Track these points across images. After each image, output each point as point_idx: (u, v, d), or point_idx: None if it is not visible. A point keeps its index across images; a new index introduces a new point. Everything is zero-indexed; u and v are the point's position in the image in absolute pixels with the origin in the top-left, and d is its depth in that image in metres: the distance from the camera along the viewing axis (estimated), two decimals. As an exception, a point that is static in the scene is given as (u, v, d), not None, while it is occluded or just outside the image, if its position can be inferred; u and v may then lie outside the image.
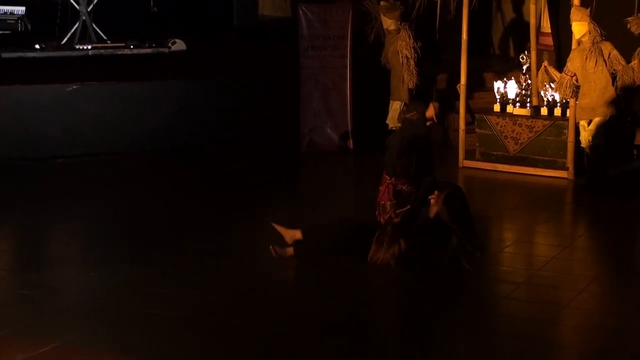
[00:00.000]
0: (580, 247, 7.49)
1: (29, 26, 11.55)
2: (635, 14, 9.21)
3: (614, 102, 8.93)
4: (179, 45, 11.49)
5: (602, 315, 6.04)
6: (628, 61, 8.90)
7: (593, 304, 6.19)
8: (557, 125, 9.51)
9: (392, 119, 10.29)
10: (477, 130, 10.01)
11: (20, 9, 11.53)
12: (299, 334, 5.65)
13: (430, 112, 7.26)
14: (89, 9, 11.54)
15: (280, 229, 6.86)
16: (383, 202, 7.12)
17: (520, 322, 5.94)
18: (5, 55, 10.85)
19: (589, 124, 9.03)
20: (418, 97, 10.32)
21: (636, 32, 9.11)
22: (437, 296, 6.40)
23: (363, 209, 8.58)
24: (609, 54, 8.84)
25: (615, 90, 8.93)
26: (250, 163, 10.13)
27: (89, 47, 11.18)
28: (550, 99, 9.67)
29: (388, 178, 7.18)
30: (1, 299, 6.19)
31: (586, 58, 8.88)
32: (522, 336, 5.71)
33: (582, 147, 9.15)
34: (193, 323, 5.81)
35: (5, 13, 11.46)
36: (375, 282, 6.75)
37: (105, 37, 11.58)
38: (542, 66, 9.40)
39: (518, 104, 9.85)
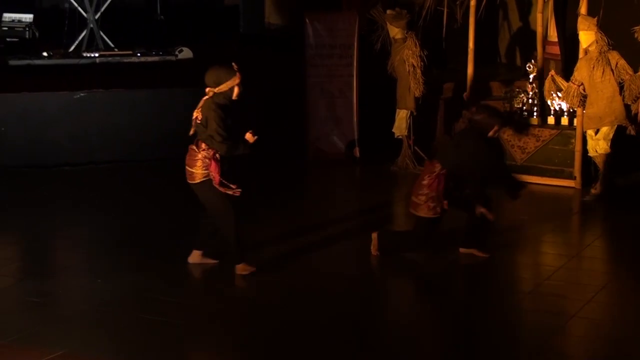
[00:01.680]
0: (588, 257, 7.47)
1: (37, 34, 11.58)
2: (643, 23, 9.20)
3: (621, 112, 8.92)
4: (186, 53, 11.51)
5: (609, 325, 6.02)
6: (635, 70, 8.89)
7: (601, 314, 6.18)
8: (564, 134, 9.50)
9: (399, 128, 10.29)
10: (484, 139, 9.99)
11: (28, 17, 11.56)
12: (307, 341, 5.64)
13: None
14: (96, 17, 11.57)
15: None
16: (434, 193, 6.94)
17: (527, 331, 5.93)
18: (13, 62, 10.87)
19: (596, 133, 9.02)
20: (424, 106, 10.34)
21: (643, 42, 9.11)
22: (444, 304, 6.39)
23: (369, 217, 8.58)
24: (616, 64, 8.83)
25: (622, 100, 8.92)
26: (257, 171, 10.13)
27: (97, 54, 11.20)
28: (557, 108, 9.66)
29: (438, 168, 7.04)
30: (8, 306, 6.20)
31: (593, 67, 8.87)
32: (529, 346, 5.70)
33: (590, 156, 9.13)
34: (199, 331, 5.80)
35: (13, 21, 11.48)
36: (378, 288, 6.74)
37: (112, 45, 11.60)
38: (549, 75, 9.40)
39: (525, 113, 9.84)
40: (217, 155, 6.62)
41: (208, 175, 6.63)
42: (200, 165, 6.64)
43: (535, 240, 7.88)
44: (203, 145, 6.64)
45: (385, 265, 7.16)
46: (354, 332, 5.81)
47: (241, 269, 6.74)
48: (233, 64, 6.75)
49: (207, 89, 6.68)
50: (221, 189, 6.60)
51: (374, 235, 7.17)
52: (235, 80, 6.64)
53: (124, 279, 6.66)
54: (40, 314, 5.98)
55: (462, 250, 7.20)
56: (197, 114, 6.65)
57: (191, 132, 6.69)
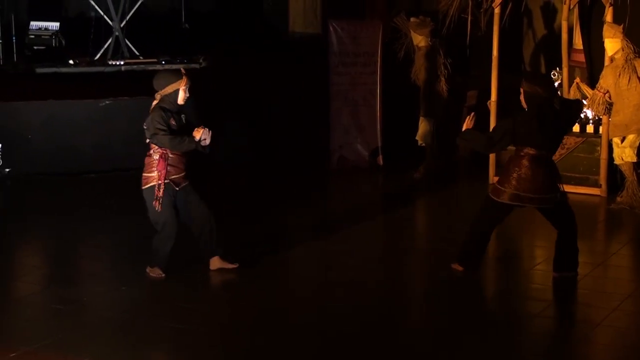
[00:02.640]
0: (614, 265, 7.42)
1: (63, 42, 11.68)
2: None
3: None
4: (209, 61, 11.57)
5: (635, 334, 5.97)
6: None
7: (626, 323, 6.13)
8: (590, 142, 9.45)
9: (422, 135, 10.27)
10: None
11: (54, 25, 11.66)
12: (325, 353, 5.64)
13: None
14: (121, 25, 11.66)
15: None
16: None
17: (551, 340, 5.89)
18: (40, 70, 10.97)
19: (622, 140, 8.97)
20: (448, 113, 10.32)
21: (670, 49, 9.05)
22: (466, 313, 6.36)
23: (392, 225, 8.57)
24: (643, 71, 8.78)
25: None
26: (280, 179, 10.14)
27: (122, 62, 11.28)
28: (582, 116, 9.61)
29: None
30: (34, 313, 6.24)
31: (619, 75, 8.82)
32: (554, 354, 5.66)
33: (615, 165, 9.07)
34: (223, 339, 5.81)
35: (40, 29, 11.59)
36: (400, 295, 6.73)
37: (137, 53, 11.68)
38: (574, 83, 9.35)
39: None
40: (166, 156, 6.59)
41: (155, 179, 6.60)
42: (149, 169, 6.65)
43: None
44: (153, 147, 6.64)
45: (409, 274, 7.14)
46: (370, 343, 5.80)
47: (153, 271, 6.75)
48: (181, 68, 6.78)
49: (155, 94, 6.70)
50: (158, 192, 6.54)
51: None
52: (181, 83, 6.62)
53: (148, 286, 6.68)
54: (65, 321, 6.01)
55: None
56: (145, 121, 6.66)
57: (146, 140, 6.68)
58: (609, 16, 9.11)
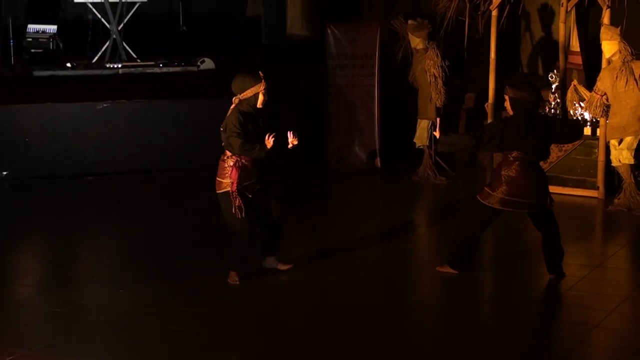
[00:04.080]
0: (611, 267, 7.42)
1: (61, 45, 11.67)
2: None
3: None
4: (207, 64, 11.56)
5: (633, 336, 5.97)
6: (659, 80, 8.84)
7: (624, 325, 6.14)
8: (587, 144, 9.45)
9: (420, 138, 10.27)
10: (506, 149, 9.96)
11: (52, 28, 11.66)
12: (324, 354, 5.64)
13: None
14: (119, 28, 11.65)
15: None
16: None
17: (549, 341, 5.89)
18: (38, 73, 10.97)
19: (619, 143, 8.98)
20: (445, 116, 10.32)
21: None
22: (466, 313, 6.37)
23: (390, 227, 8.57)
24: (640, 73, 8.79)
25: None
26: (278, 181, 10.14)
27: (119, 65, 11.27)
28: (579, 118, 9.62)
29: None
30: (32, 316, 6.24)
31: (616, 77, 8.83)
32: (553, 356, 5.67)
33: (613, 167, 9.08)
34: (221, 341, 5.81)
35: (37, 32, 11.59)
36: (398, 297, 6.73)
37: (135, 56, 11.67)
38: (572, 85, 9.36)
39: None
40: (239, 164, 6.62)
41: (229, 185, 6.63)
42: (224, 175, 6.66)
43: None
44: (227, 153, 6.67)
45: (407, 276, 7.15)
46: (368, 344, 5.80)
47: (230, 277, 6.73)
48: (259, 72, 6.78)
49: (234, 97, 6.71)
50: (235, 200, 6.57)
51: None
52: (260, 87, 6.66)
53: (146, 289, 6.68)
54: (63, 324, 6.01)
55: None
56: (223, 123, 6.69)
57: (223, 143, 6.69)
58: (606, 18, 9.12)
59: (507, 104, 6.82)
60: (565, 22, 9.98)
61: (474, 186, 9.90)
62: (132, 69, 11.29)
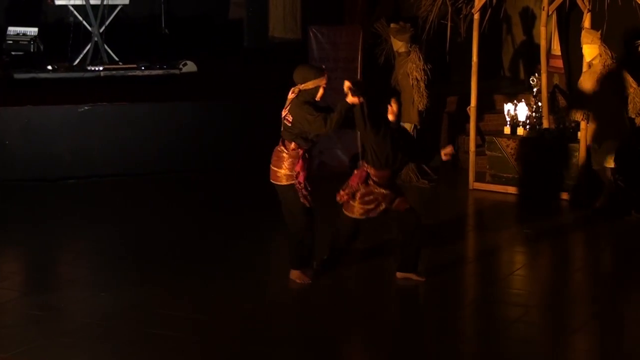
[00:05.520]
0: (593, 271, 7.45)
1: (42, 47, 11.60)
2: (647, 37, 9.21)
3: (625, 125, 8.91)
4: (189, 67, 11.53)
5: (615, 339, 6.00)
6: (639, 84, 8.89)
7: (606, 328, 6.15)
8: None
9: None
10: (487, 152, 10.00)
11: (33, 30, 11.58)
12: (306, 355, 5.63)
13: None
14: (101, 31, 11.60)
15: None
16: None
17: (531, 345, 5.91)
18: (18, 76, 10.89)
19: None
20: (428, 119, 10.34)
21: (647, 55, 9.11)
22: (445, 318, 6.37)
23: (372, 230, 8.57)
24: (620, 77, 8.82)
25: (626, 113, 8.91)
26: (261, 185, 10.11)
27: (101, 68, 11.22)
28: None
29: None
30: (12, 319, 6.20)
31: (597, 81, 8.87)
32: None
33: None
34: (203, 345, 5.79)
35: (18, 34, 11.51)
36: (380, 294, 6.73)
37: (117, 59, 11.62)
38: (553, 88, 9.40)
39: (528, 127, 9.84)
40: (306, 155, 6.66)
41: (293, 178, 6.64)
42: (287, 167, 6.69)
43: (539, 254, 7.86)
44: (292, 145, 6.66)
45: (389, 278, 7.15)
46: (357, 347, 5.80)
47: (296, 275, 6.76)
48: (323, 66, 6.80)
49: (293, 88, 6.71)
50: (303, 191, 6.62)
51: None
52: (322, 80, 6.70)
53: (127, 293, 6.65)
54: (43, 328, 5.97)
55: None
56: (285, 113, 6.71)
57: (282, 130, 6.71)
58: (587, 22, 9.17)
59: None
60: (546, 26, 10.04)
61: (456, 189, 9.97)
62: (114, 72, 11.24)
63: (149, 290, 6.70)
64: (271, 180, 6.82)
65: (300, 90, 6.69)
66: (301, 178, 6.66)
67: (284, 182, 6.74)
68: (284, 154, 6.72)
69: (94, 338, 5.86)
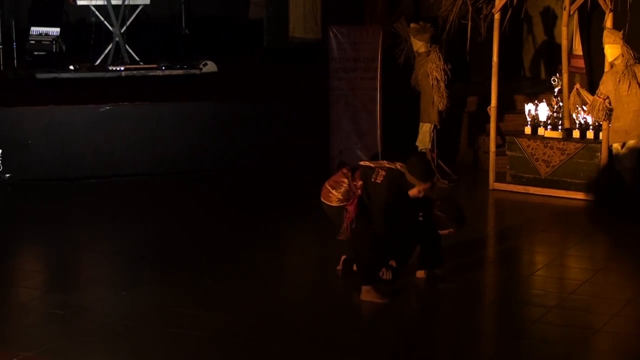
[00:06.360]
0: (614, 271, 7.42)
1: (64, 47, 11.68)
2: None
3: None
4: (210, 67, 11.57)
5: (636, 340, 5.96)
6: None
7: (627, 328, 6.12)
8: (590, 147, 9.44)
9: (422, 141, 10.28)
10: (508, 152, 9.97)
11: (55, 30, 11.66)
12: (325, 355, 5.63)
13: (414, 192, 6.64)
14: (122, 31, 11.66)
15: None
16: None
17: (551, 346, 5.89)
18: (40, 76, 10.97)
19: (622, 147, 8.97)
20: (448, 119, 10.33)
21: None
22: (466, 318, 6.36)
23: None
24: (643, 77, 8.79)
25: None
26: (281, 185, 10.14)
27: (122, 68, 11.29)
28: (582, 122, 9.62)
29: None
30: (34, 319, 6.24)
31: (619, 81, 8.83)
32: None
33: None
34: (221, 344, 5.81)
35: (40, 34, 11.59)
36: (397, 300, 6.72)
37: (137, 59, 11.68)
38: (574, 89, 9.36)
39: (549, 127, 9.81)
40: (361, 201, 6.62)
41: (343, 203, 6.63)
42: (341, 195, 6.65)
43: (560, 254, 7.83)
44: (359, 183, 6.60)
45: (407, 279, 7.14)
46: (367, 348, 5.80)
47: (365, 291, 6.54)
48: (435, 178, 6.96)
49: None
50: (346, 220, 6.58)
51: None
52: (422, 186, 6.53)
53: (148, 292, 6.68)
54: (65, 327, 6.01)
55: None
56: (381, 173, 6.53)
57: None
58: (608, 22, 9.12)
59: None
60: (567, 26, 9.99)
61: (476, 189, 9.94)
62: (135, 72, 11.30)
63: (170, 290, 6.73)
64: (322, 199, 6.77)
65: (404, 173, 6.53)
66: (349, 219, 6.57)
67: (333, 204, 6.70)
68: (344, 182, 6.65)
69: (115, 337, 5.89)
